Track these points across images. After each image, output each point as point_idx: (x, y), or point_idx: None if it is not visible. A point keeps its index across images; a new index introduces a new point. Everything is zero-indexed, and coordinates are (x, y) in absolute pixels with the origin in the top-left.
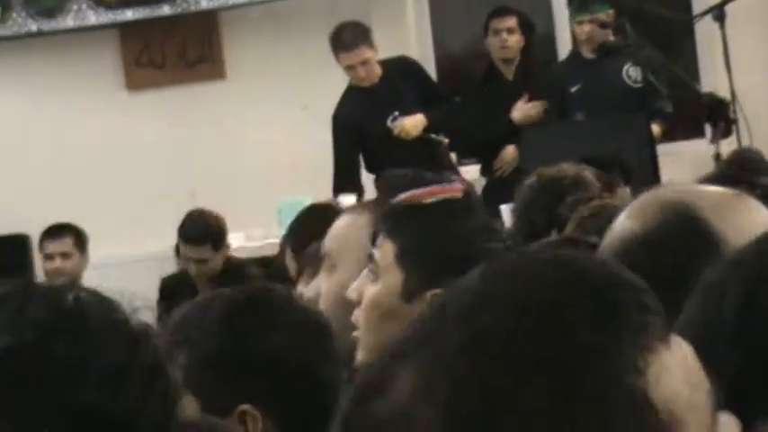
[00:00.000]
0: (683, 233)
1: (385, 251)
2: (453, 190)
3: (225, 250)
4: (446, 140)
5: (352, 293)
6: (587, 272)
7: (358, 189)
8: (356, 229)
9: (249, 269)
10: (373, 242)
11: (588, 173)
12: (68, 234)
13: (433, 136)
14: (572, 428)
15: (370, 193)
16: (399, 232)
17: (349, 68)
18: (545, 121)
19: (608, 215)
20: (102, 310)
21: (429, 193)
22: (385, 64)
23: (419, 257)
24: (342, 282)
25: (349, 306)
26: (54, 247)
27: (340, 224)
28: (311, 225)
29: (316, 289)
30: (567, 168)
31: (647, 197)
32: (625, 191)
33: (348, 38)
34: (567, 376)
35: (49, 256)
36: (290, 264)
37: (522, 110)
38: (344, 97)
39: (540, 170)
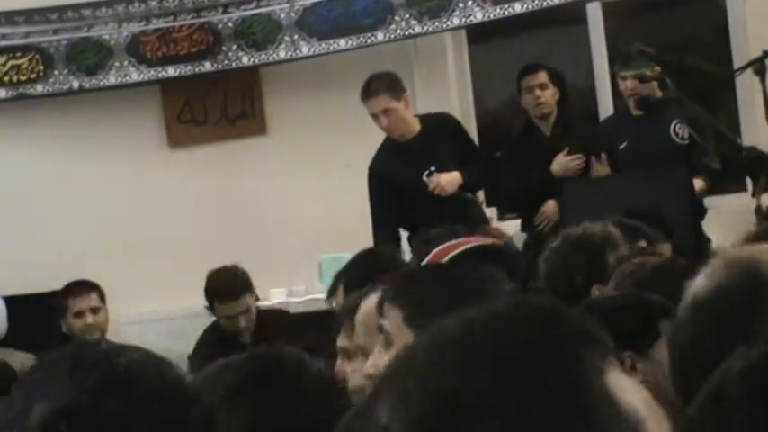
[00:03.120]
0: (747, 287)
1: (393, 318)
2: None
3: (256, 298)
4: (480, 199)
5: (370, 369)
6: (550, 305)
7: (393, 241)
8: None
9: (282, 318)
10: (380, 313)
11: (613, 228)
12: (93, 290)
13: (468, 195)
14: None
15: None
16: (401, 296)
17: (373, 117)
18: (584, 174)
19: (650, 272)
20: (156, 371)
21: (449, 249)
22: (425, 119)
23: (427, 314)
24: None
25: None
26: (82, 303)
27: (363, 311)
28: (366, 268)
29: (376, 367)
30: (592, 227)
31: (720, 257)
32: (666, 246)
33: (371, 86)
34: (539, 382)
35: (79, 314)
36: (341, 303)
37: (562, 163)
38: (380, 148)
39: (564, 232)
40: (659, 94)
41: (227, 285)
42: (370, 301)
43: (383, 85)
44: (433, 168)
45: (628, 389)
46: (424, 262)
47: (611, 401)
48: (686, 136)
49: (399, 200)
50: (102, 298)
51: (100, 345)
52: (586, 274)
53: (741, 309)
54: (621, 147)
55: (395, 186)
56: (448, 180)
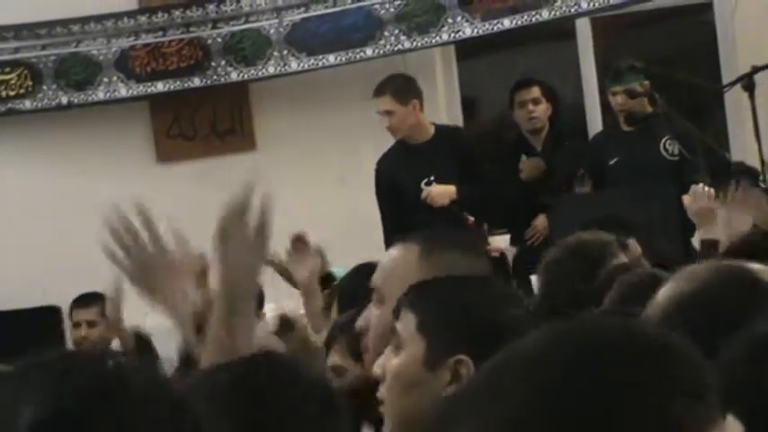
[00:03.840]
0: (741, 288)
1: (406, 322)
2: None
3: (261, 317)
4: (471, 219)
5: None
6: (650, 341)
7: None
8: (404, 263)
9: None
10: (396, 317)
11: (607, 235)
12: (95, 303)
13: (461, 212)
14: None
15: None
16: (420, 303)
17: (379, 115)
18: (579, 187)
19: (650, 284)
20: (143, 376)
21: None
22: (440, 129)
23: (439, 325)
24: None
25: None
26: (80, 315)
27: (389, 259)
28: (362, 283)
29: (366, 320)
30: (584, 235)
31: (697, 266)
32: (632, 241)
33: (380, 86)
34: None
35: (76, 325)
36: (333, 314)
37: (529, 164)
38: (390, 148)
39: (562, 242)
40: (649, 109)
41: None
42: (399, 251)
43: (390, 87)
44: (432, 178)
45: None
46: None
47: None
48: (676, 152)
49: (398, 201)
50: (105, 311)
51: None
52: (586, 282)
53: (736, 304)
54: (612, 162)
55: (394, 186)
56: (440, 191)
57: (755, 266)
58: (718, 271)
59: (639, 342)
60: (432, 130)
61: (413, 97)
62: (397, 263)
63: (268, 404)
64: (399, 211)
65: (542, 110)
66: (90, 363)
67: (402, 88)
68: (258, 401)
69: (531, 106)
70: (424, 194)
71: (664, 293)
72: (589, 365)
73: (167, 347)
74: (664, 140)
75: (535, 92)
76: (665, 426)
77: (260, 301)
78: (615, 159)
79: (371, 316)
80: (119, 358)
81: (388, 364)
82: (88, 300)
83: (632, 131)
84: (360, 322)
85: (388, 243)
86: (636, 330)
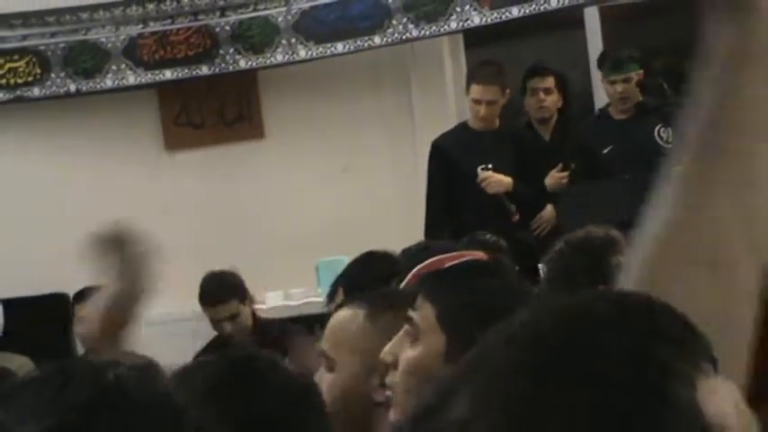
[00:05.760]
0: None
1: (425, 313)
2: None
3: (250, 303)
4: (517, 217)
5: (387, 356)
6: (637, 302)
7: (450, 230)
8: (350, 326)
9: (278, 327)
10: (412, 306)
11: (615, 232)
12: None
13: (509, 204)
14: None
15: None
16: (440, 294)
17: (475, 102)
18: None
19: None
20: (144, 385)
21: (448, 259)
22: (504, 126)
23: (462, 318)
24: (342, 381)
25: (352, 402)
26: (81, 310)
27: (335, 322)
28: (366, 272)
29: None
30: (595, 230)
31: None
32: None
33: (484, 72)
34: (622, 391)
35: (78, 320)
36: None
37: (555, 177)
38: (453, 129)
39: (566, 237)
40: (640, 98)
41: (210, 290)
42: (345, 314)
43: (500, 78)
44: (490, 166)
45: (716, 398)
46: (417, 269)
47: (695, 417)
48: (671, 140)
49: (449, 180)
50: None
51: (87, 360)
52: (590, 277)
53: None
54: (605, 151)
55: (449, 164)
56: (498, 178)
57: None
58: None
59: (624, 303)
60: (498, 121)
61: (507, 86)
62: (343, 327)
63: (251, 403)
64: (447, 190)
65: (553, 101)
66: (90, 373)
67: (504, 79)
68: (241, 400)
69: (542, 95)
70: (482, 176)
71: None
72: (576, 325)
73: (179, 338)
74: (657, 128)
75: (549, 81)
76: (654, 370)
77: (240, 290)
78: (609, 148)
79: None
80: (119, 368)
81: (403, 354)
82: (87, 294)
83: (624, 120)
84: (387, 357)
85: (430, 221)
86: (620, 295)
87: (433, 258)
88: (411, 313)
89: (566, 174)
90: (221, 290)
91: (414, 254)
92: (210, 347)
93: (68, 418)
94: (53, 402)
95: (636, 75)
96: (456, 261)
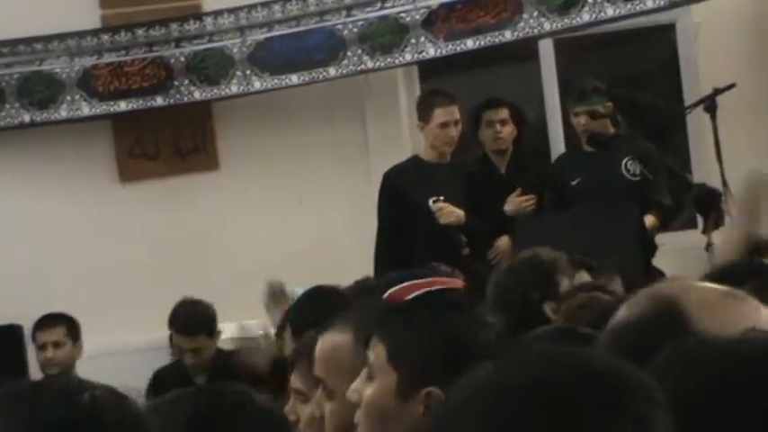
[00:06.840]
0: (664, 321)
1: (378, 353)
2: (437, 283)
3: (217, 337)
4: (467, 250)
5: (352, 395)
6: (596, 367)
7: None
8: (341, 350)
9: (237, 358)
10: (367, 344)
11: (560, 254)
12: (60, 323)
13: (460, 236)
14: None
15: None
16: (388, 333)
17: (442, 126)
18: (537, 212)
19: (599, 306)
20: (117, 407)
21: (409, 290)
22: (456, 158)
23: (409, 357)
24: (344, 409)
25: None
26: (46, 336)
27: (325, 348)
28: (314, 307)
29: (326, 343)
30: (541, 250)
31: (646, 289)
32: (617, 280)
33: (441, 96)
34: None
35: (41, 347)
36: (289, 343)
37: (515, 202)
38: (406, 161)
39: (516, 255)
40: (612, 130)
41: (182, 318)
42: (332, 339)
43: (454, 99)
44: (442, 198)
45: None
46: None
47: None
48: (638, 172)
49: (400, 211)
50: (72, 333)
51: (59, 380)
52: (540, 290)
53: (653, 339)
54: (574, 183)
55: (400, 196)
56: (452, 209)
57: (686, 294)
58: (648, 302)
59: (587, 374)
60: (449, 155)
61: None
62: (336, 354)
63: None
64: (398, 221)
65: (508, 131)
66: (65, 394)
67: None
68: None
69: (498, 126)
70: (436, 206)
71: (614, 319)
72: (542, 400)
73: (134, 370)
74: (625, 161)
75: (504, 113)
76: None
77: (212, 325)
78: (577, 180)
79: (363, 389)
80: (93, 389)
81: (362, 390)
82: (53, 320)
83: (594, 152)
84: (352, 396)
85: (381, 252)
86: (583, 363)
87: (406, 284)
88: (367, 352)
89: (526, 197)
90: (193, 322)
91: (359, 290)
92: (171, 370)
93: None
94: (28, 422)
95: (604, 108)
96: (427, 289)
